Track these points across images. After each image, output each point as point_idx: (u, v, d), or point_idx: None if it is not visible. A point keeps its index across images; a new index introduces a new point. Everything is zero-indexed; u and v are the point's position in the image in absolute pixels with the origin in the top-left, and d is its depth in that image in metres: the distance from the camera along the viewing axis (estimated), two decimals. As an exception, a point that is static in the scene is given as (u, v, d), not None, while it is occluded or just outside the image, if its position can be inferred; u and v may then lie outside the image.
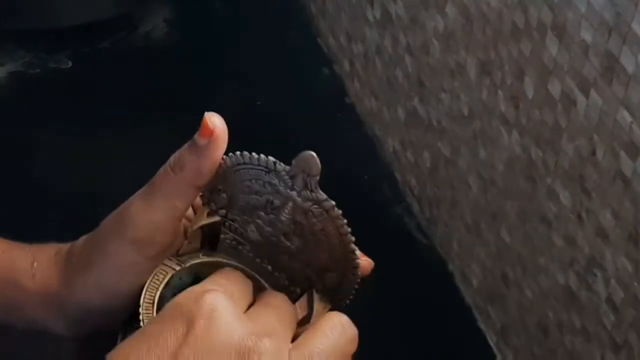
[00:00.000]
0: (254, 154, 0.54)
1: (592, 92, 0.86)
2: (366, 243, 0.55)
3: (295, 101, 1.43)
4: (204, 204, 0.56)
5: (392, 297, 1.22)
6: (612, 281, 0.90)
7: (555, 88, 0.92)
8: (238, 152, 0.54)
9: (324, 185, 0.53)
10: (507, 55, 0.98)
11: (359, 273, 0.54)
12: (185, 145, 0.54)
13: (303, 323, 0.53)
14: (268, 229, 0.54)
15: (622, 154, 0.84)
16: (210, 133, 0.53)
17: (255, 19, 1.58)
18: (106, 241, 0.54)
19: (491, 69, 1.02)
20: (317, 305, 0.55)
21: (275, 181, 0.53)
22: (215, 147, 0.53)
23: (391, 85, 1.28)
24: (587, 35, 0.85)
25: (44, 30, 1.52)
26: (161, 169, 0.55)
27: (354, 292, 0.54)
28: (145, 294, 0.52)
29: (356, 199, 1.37)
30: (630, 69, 0.81)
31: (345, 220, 0.52)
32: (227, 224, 0.55)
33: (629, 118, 0.82)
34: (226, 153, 0.54)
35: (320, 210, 0.52)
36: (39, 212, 1.34)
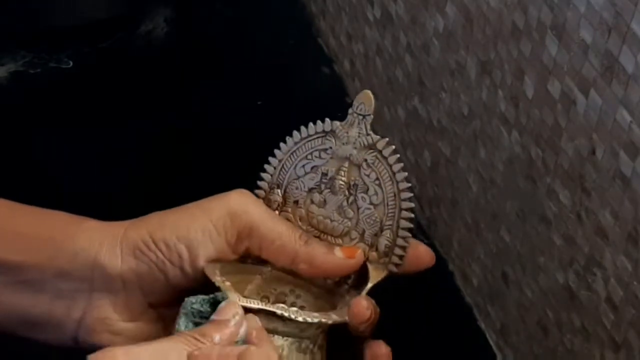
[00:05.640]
0: (310, 124, 0.56)
1: (592, 92, 0.86)
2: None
3: (295, 101, 1.43)
4: None
5: (391, 296, 1.22)
6: (612, 280, 0.90)
7: (554, 88, 0.92)
8: (295, 131, 0.56)
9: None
10: (507, 55, 0.98)
11: (412, 216, 0.55)
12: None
13: (358, 289, 0.55)
14: (321, 210, 0.56)
15: (622, 153, 0.84)
16: (352, 254, 0.55)
17: (255, 19, 1.58)
18: (200, 203, 0.55)
19: (491, 69, 1.02)
20: (373, 274, 0.56)
21: (332, 142, 0.55)
22: (344, 261, 0.56)
23: (391, 85, 1.28)
24: (586, 35, 0.85)
25: (44, 30, 1.52)
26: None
27: (407, 248, 0.56)
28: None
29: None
30: (629, 68, 0.81)
31: (398, 155, 0.54)
32: None
33: (628, 118, 0.82)
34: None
35: (374, 154, 0.55)
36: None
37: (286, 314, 0.52)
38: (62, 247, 0.55)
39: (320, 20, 1.50)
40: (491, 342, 1.18)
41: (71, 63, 1.51)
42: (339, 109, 1.46)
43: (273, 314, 0.52)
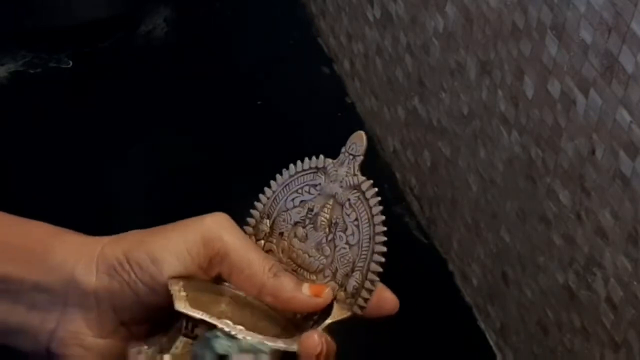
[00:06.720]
0: (306, 158, 0.56)
1: (592, 92, 0.86)
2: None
3: (296, 101, 1.43)
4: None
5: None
6: (612, 280, 0.90)
7: (554, 88, 0.92)
8: (290, 165, 0.57)
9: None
10: (507, 55, 0.98)
11: (383, 260, 0.56)
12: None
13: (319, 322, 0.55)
14: (301, 244, 0.56)
15: (622, 153, 0.84)
16: (319, 292, 0.55)
17: (255, 19, 1.58)
18: (176, 225, 0.55)
19: (491, 69, 1.02)
20: (337, 312, 0.56)
21: (322, 178, 0.56)
22: (313, 298, 0.56)
23: (391, 85, 1.28)
24: (586, 35, 0.85)
25: (44, 30, 1.52)
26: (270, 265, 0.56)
27: (373, 292, 0.56)
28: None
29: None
30: (629, 68, 0.81)
31: (379, 198, 0.55)
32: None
33: (628, 118, 0.82)
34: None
35: (357, 195, 0.55)
36: (37, 211, 1.34)
37: (226, 329, 0.52)
38: (41, 259, 0.56)
39: (320, 20, 1.50)
40: (491, 342, 1.18)
41: (71, 63, 1.51)
42: (338, 109, 1.47)
43: (215, 327, 0.52)
